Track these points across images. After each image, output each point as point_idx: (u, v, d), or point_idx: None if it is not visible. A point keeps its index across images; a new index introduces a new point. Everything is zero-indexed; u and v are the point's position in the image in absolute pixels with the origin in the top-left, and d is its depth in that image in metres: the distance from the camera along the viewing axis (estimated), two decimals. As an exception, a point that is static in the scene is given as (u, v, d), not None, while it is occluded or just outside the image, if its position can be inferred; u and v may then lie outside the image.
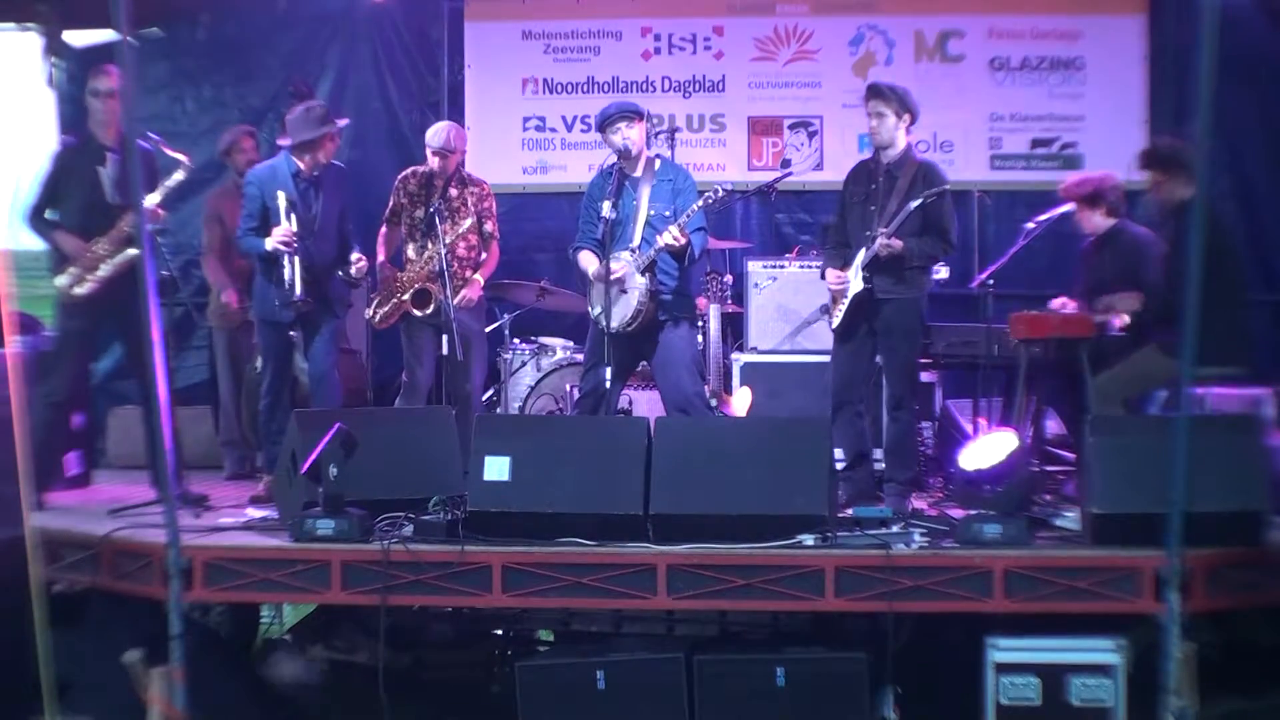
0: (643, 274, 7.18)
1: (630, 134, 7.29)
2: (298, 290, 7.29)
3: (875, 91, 7.26)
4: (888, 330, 7.17)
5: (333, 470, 6.11)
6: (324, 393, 7.60)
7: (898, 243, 7.00)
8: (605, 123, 7.34)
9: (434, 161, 7.80)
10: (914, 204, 7.01)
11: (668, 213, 7.25)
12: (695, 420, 7.18)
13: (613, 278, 7.15)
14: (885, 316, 7.16)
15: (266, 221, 7.42)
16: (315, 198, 7.51)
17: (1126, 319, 7.18)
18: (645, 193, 7.32)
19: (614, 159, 7.38)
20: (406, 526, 6.30)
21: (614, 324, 7.13)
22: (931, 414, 8.30)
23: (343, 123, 7.71)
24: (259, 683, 7.22)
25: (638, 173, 7.37)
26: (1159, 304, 6.99)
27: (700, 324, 7.93)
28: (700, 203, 7.17)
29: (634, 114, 7.35)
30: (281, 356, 7.57)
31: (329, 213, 7.54)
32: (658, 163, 7.46)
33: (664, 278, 7.25)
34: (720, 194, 7.20)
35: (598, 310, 7.22)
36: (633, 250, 7.23)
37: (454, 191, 7.82)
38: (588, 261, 7.38)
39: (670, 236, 7.06)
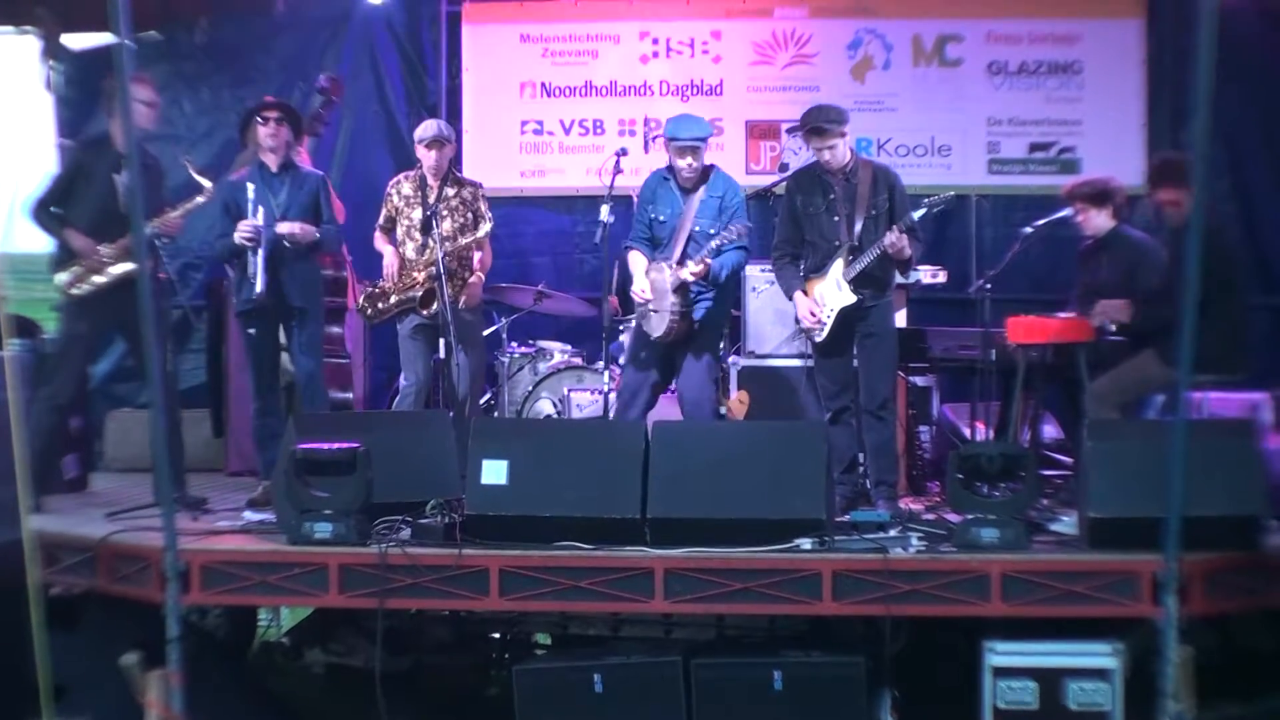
0: (675, 293, 7.20)
1: (695, 161, 7.28)
2: (258, 285, 7.29)
3: (818, 131, 7.08)
4: (872, 334, 7.16)
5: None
6: (311, 394, 7.63)
7: (906, 248, 6.98)
8: (676, 144, 7.30)
9: (428, 156, 7.78)
10: (918, 214, 6.97)
11: (711, 230, 7.25)
12: (693, 424, 7.19)
13: (646, 297, 7.28)
14: (870, 322, 7.15)
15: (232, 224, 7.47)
16: (280, 189, 7.50)
17: (1114, 327, 7.23)
18: (694, 206, 7.33)
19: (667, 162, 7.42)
20: (404, 530, 6.32)
21: (653, 335, 7.32)
22: (929, 418, 8.31)
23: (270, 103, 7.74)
24: (257, 686, 7.24)
25: (688, 183, 7.39)
26: (1154, 309, 7.02)
27: (727, 329, 7.93)
28: (718, 241, 7.15)
29: (702, 140, 7.32)
30: (263, 356, 7.58)
31: (294, 206, 7.49)
32: (710, 174, 7.42)
33: (699, 300, 7.30)
34: (741, 233, 7.21)
35: (643, 317, 7.39)
36: (671, 265, 7.26)
37: (450, 191, 7.83)
38: (635, 263, 7.43)
39: (688, 272, 7.14)
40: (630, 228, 7.61)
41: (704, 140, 7.35)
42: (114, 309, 7.24)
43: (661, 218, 7.39)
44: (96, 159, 7.38)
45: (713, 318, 7.41)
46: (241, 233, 7.31)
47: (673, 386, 7.51)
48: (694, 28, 9.95)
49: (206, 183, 7.41)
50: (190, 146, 9.41)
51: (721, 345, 7.81)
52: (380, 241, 7.93)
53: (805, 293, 7.18)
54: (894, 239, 6.93)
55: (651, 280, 7.31)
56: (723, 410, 7.86)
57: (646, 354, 7.43)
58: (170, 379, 7.93)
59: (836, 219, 7.12)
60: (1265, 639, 6.78)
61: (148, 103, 7.19)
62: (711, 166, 7.50)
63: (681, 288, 7.21)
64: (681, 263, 7.22)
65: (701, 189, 7.36)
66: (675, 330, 7.24)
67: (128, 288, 7.11)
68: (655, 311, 7.28)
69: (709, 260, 7.14)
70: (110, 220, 7.25)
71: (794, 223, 7.29)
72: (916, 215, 7.00)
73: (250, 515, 7.01)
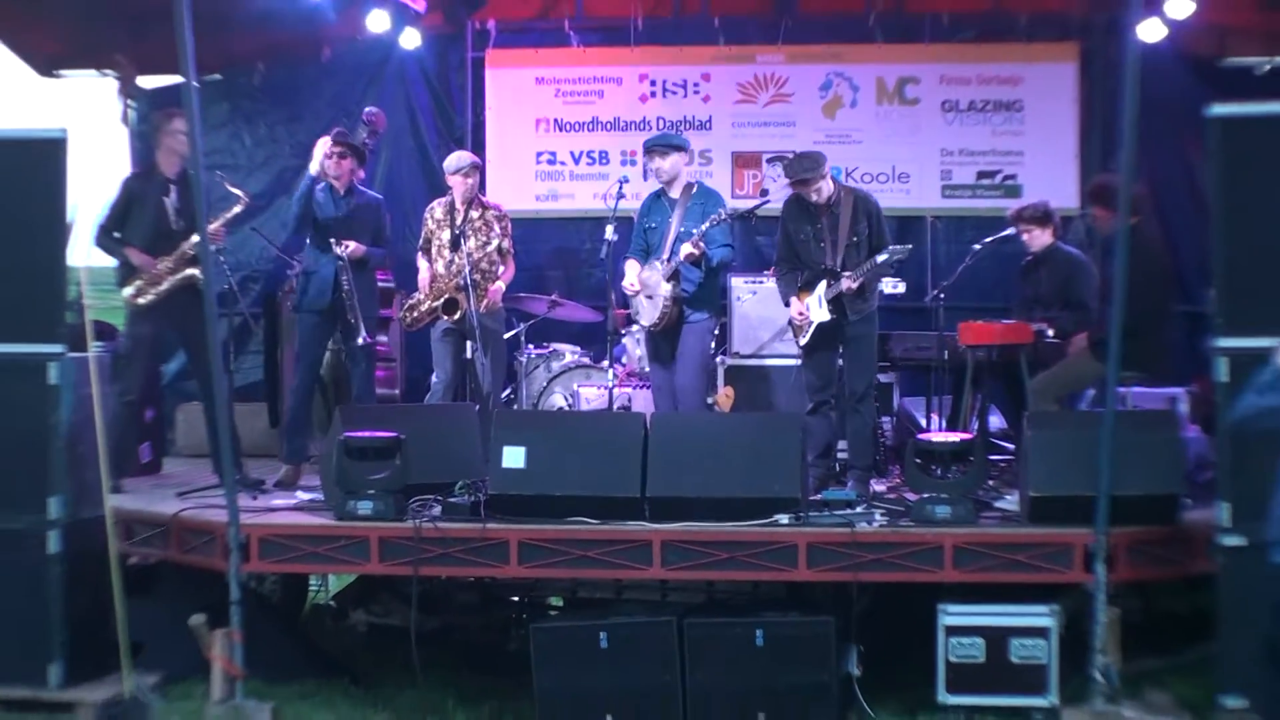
0: (668, 281, 7.22)
1: (663, 165, 7.41)
2: (361, 335, 7.41)
3: (802, 182, 7.02)
4: (853, 339, 7.12)
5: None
6: (361, 389, 7.69)
7: (859, 280, 6.95)
8: (646, 149, 7.53)
9: (459, 184, 7.82)
10: (881, 258, 6.86)
11: (695, 231, 7.29)
12: (685, 415, 7.20)
13: (639, 288, 7.35)
14: (854, 327, 7.11)
15: (315, 224, 7.56)
16: (345, 203, 7.62)
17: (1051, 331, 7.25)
18: (679, 213, 7.38)
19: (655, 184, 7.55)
20: (435, 507, 6.34)
21: (646, 323, 7.34)
22: (890, 410, 8.31)
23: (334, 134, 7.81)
24: (307, 643, 7.24)
25: (675, 195, 7.44)
26: (1089, 316, 7.06)
27: (718, 329, 7.90)
28: (707, 224, 7.20)
29: (665, 148, 7.45)
30: (315, 354, 7.61)
31: (358, 226, 7.57)
32: (694, 188, 7.49)
33: (686, 285, 7.29)
34: (723, 216, 7.24)
35: (636, 313, 7.45)
36: (663, 261, 7.28)
37: (475, 213, 7.86)
38: (629, 267, 7.49)
39: (686, 250, 7.14)
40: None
41: (667, 146, 7.45)
42: (171, 313, 7.30)
43: (653, 224, 7.49)
44: (146, 186, 7.43)
45: (702, 297, 7.36)
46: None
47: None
48: (686, 71, 9.94)
49: (238, 192, 7.46)
50: (248, 174, 9.45)
51: (713, 343, 7.79)
52: (420, 259, 7.98)
53: (799, 298, 7.17)
54: (849, 285, 6.92)
55: (644, 278, 7.34)
56: (710, 401, 7.84)
57: (657, 352, 7.45)
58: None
59: (822, 245, 7.07)
60: (1180, 602, 6.79)
61: (186, 133, 7.20)
62: (697, 182, 7.57)
63: (674, 276, 7.21)
64: (671, 259, 7.24)
65: (687, 200, 7.40)
66: (668, 316, 7.25)
67: (183, 294, 7.16)
68: (649, 298, 7.29)
69: (701, 244, 7.15)
70: (163, 237, 7.31)
71: (788, 245, 7.27)
72: (880, 258, 6.91)
73: (302, 495, 7.01)
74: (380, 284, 8.52)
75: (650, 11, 9.90)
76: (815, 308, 7.05)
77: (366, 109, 9.00)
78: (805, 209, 7.15)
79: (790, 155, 9.51)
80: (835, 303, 6.99)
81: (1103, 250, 7.51)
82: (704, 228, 7.20)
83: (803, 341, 7.16)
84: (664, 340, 7.41)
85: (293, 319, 8.28)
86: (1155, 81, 7.24)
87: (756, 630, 6.03)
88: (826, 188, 7.09)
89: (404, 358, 9.13)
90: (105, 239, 7.31)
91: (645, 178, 9.26)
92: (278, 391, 8.96)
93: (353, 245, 7.47)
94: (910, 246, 7.14)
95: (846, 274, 6.92)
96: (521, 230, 8.56)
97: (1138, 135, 5.79)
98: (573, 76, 10.00)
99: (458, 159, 7.98)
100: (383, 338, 8.63)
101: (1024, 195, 9.15)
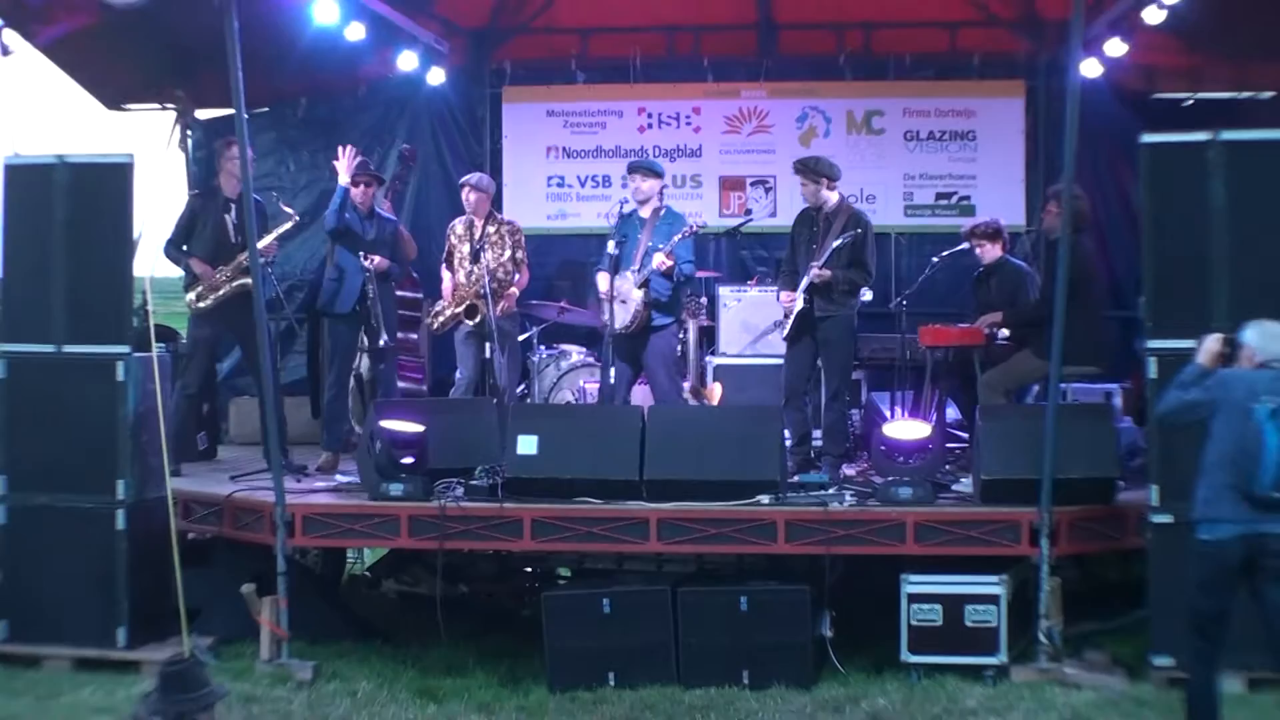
0: (639, 288, 7.20)
1: (643, 185, 7.34)
2: (383, 338, 7.36)
3: (796, 170, 7.25)
4: (826, 340, 7.14)
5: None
6: (385, 385, 7.69)
7: (826, 272, 6.98)
8: (630, 169, 7.44)
9: (471, 197, 7.80)
10: (836, 242, 6.96)
11: (662, 246, 7.26)
12: (678, 407, 7.19)
13: (610, 292, 7.21)
14: (825, 329, 7.12)
15: (350, 233, 7.50)
16: (369, 229, 7.59)
17: (1002, 333, 7.24)
18: (648, 231, 7.33)
19: (632, 204, 7.42)
20: (458, 489, 6.31)
21: (617, 326, 7.18)
22: (860, 404, 8.31)
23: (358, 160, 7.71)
24: (345, 608, 7.23)
25: (645, 215, 7.38)
26: (1018, 315, 7.09)
27: (682, 333, 7.91)
28: (678, 236, 7.16)
29: (647, 171, 7.38)
30: (350, 353, 7.61)
31: (379, 243, 7.56)
32: (663, 211, 7.42)
33: (656, 294, 7.24)
34: (694, 228, 7.21)
35: (605, 317, 7.28)
36: (634, 271, 7.25)
37: (491, 229, 7.84)
38: (600, 280, 7.38)
39: (658, 260, 7.08)
40: None
41: (649, 170, 7.37)
42: (228, 317, 7.30)
43: (623, 237, 7.33)
44: (208, 204, 7.45)
45: (668, 304, 7.27)
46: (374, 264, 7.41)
47: (643, 378, 7.49)
48: (679, 105, 9.94)
49: (289, 210, 7.51)
50: (293, 196, 9.43)
51: (678, 346, 7.74)
52: (444, 270, 7.96)
53: (789, 292, 7.17)
54: (816, 273, 6.94)
55: (616, 287, 7.22)
56: (689, 391, 7.81)
57: (617, 356, 7.29)
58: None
59: (814, 247, 7.12)
60: (1115, 572, 6.81)
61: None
62: (665, 206, 7.48)
63: (644, 284, 7.15)
64: (641, 270, 7.20)
65: (655, 220, 7.34)
66: (639, 319, 7.17)
67: (238, 300, 7.16)
68: (622, 303, 7.22)
69: (673, 255, 7.08)
70: (223, 249, 7.33)
71: (792, 248, 7.33)
72: (834, 243, 6.93)
73: (341, 478, 7.00)
74: (410, 294, 8.54)
75: (647, 52, 9.88)
76: (799, 300, 7.10)
77: (403, 146, 9.07)
78: (810, 217, 7.26)
79: (771, 179, 9.67)
80: (808, 292, 7.01)
81: (1045, 264, 7.48)
82: (675, 239, 7.16)
83: (786, 331, 7.18)
84: (630, 343, 7.33)
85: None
86: (1093, 113, 7.23)
87: (741, 597, 6.03)
88: (827, 199, 7.17)
89: (431, 357, 9.11)
90: (173, 251, 7.36)
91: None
92: (319, 387, 8.92)
93: (378, 259, 7.46)
94: (859, 231, 7.09)
95: (814, 264, 6.95)
96: (533, 245, 8.55)
97: (1077, 160, 5.80)
98: (579, 110, 9.99)
99: (471, 175, 8.01)
100: (412, 335, 8.63)
101: (977, 214, 9.12)
